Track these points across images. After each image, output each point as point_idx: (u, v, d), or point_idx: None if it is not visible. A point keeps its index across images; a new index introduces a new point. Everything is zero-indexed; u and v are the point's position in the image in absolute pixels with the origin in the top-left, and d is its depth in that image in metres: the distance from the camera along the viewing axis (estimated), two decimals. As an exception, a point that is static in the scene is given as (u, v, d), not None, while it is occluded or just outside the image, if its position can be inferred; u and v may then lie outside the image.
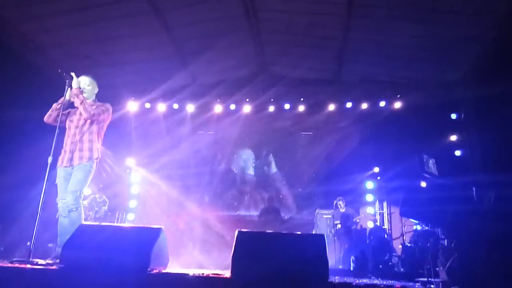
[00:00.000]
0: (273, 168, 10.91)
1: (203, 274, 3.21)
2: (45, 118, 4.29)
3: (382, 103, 9.09)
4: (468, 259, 2.51)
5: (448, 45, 6.89)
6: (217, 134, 10.51)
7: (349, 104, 9.22)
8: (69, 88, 4.21)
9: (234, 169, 10.97)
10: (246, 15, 6.90)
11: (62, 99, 4.23)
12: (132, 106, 9.36)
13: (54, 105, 4.28)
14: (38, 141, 4.74)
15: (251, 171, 10.98)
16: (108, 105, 4.44)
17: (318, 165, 10.43)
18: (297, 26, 7.10)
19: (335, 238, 8.44)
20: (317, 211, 9.51)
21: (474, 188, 2.68)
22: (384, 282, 4.30)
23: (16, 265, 3.21)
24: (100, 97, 4.54)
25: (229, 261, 3.15)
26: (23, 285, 2.91)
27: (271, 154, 10.95)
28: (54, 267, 3.20)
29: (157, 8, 6.37)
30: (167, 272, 3.35)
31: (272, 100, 9.33)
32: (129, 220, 9.46)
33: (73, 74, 4.22)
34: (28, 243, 3.74)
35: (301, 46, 7.70)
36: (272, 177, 10.86)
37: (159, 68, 8.19)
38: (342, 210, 8.70)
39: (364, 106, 9.18)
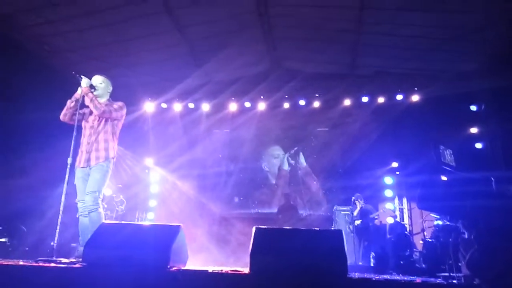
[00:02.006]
0: (303, 162, 10.80)
1: (222, 270, 3.23)
2: (61, 117, 4.32)
3: (399, 97, 8.93)
4: (488, 251, 2.46)
5: (461, 34, 6.71)
6: (233, 133, 10.53)
7: (365, 99, 9.10)
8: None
9: (264, 167, 10.90)
10: (257, 12, 6.86)
11: (75, 94, 4.28)
12: (148, 106, 9.50)
13: (68, 102, 4.30)
14: (58, 142, 4.83)
15: (285, 167, 10.86)
16: (121, 103, 4.44)
17: (336, 161, 10.33)
18: (308, 20, 7.02)
19: (354, 234, 8.36)
20: (335, 207, 9.44)
21: (493, 182, 2.60)
22: (405, 278, 4.24)
23: (41, 264, 3.28)
24: (116, 98, 4.56)
25: (247, 258, 3.16)
26: (48, 283, 2.98)
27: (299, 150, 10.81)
28: (77, 265, 3.27)
29: (168, 8, 6.39)
30: (186, 269, 3.38)
31: (286, 96, 9.30)
32: (149, 219, 9.60)
33: (82, 76, 4.26)
34: (52, 243, 3.83)
35: (314, 40, 7.63)
36: (301, 173, 10.74)
37: (173, 68, 8.26)
38: (361, 206, 8.61)
39: (381, 100, 9.05)
